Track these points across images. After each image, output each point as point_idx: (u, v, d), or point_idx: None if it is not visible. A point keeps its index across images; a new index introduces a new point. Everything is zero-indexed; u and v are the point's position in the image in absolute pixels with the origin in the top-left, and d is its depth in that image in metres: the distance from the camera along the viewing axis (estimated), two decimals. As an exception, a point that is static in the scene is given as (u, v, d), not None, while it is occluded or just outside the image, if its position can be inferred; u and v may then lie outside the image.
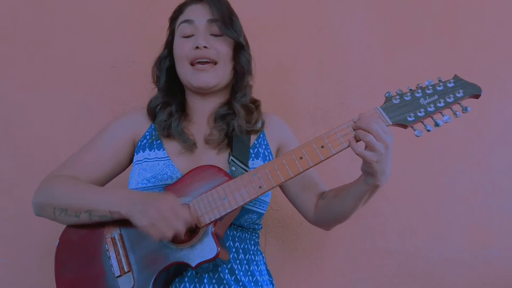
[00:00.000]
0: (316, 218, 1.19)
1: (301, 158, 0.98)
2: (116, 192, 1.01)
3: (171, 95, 1.19)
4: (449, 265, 1.57)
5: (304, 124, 1.63)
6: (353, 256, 1.57)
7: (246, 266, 1.08)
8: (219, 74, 1.14)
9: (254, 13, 1.65)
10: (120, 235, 1.01)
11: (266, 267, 1.18)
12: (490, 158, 1.63)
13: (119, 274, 0.97)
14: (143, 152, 1.12)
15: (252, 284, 1.07)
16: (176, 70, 1.17)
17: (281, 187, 1.23)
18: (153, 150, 1.11)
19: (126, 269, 0.97)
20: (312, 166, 0.98)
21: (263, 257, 1.18)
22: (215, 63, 1.13)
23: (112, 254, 0.99)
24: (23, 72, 1.57)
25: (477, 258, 1.58)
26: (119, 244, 1.00)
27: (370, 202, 1.58)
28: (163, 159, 1.09)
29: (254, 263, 1.11)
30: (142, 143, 1.14)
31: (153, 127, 1.17)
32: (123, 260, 0.98)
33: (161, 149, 1.11)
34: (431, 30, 1.71)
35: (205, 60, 1.12)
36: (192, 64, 1.12)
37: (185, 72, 1.14)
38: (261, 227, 1.18)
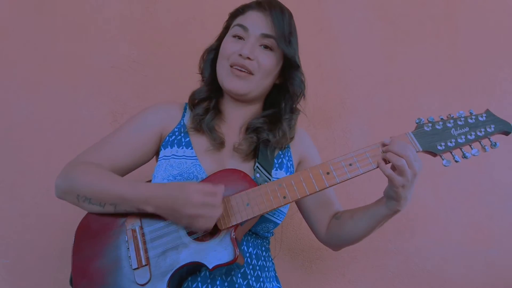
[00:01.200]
0: (327, 237, 1.18)
1: (328, 173, 0.98)
2: (143, 187, 1.00)
3: (214, 90, 1.17)
4: (449, 265, 1.57)
5: (304, 124, 1.63)
6: (353, 256, 1.58)
7: (259, 272, 1.08)
8: (252, 85, 1.11)
9: (254, 13, 1.65)
10: (141, 227, 1.01)
11: (275, 274, 1.18)
12: (490, 158, 1.63)
13: (136, 266, 0.97)
14: (171, 148, 1.11)
15: None
16: (216, 66, 1.16)
17: (297, 202, 1.22)
18: (181, 148, 1.11)
19: (144, 262, 0.97)
20: (338, 183, 0.98)
21: (273, 263, 1.18)
22: (252, 74, 1.11)
23: (131, 245, 0.99)
24: (23, 72, 1.57)
25: (477, 258, 1.58)
26: (139, 237, 1.00)
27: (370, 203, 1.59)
28: (191, 158, 1.09)
29: (266, 269, 1.11)
30: (171, 139, 1.13)
31: (182, 123, 1.16)
32: (142, 253, 0.98)
33: (190, 148, 1.11)
34: (431, 30, 1.71)
35: (243, 70, 1.10)
36: (230, 66, 1.11)
37: (221, 71, 1.13)
38: (273, 235, 1.18)
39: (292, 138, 1.17)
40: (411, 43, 1.70)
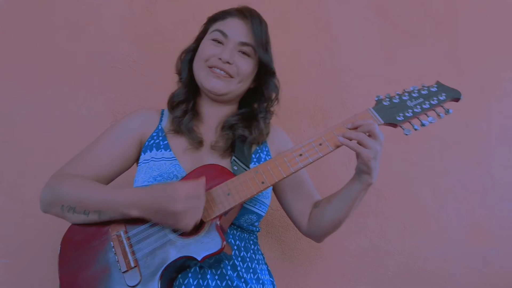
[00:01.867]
0: (309, 228, 1.20)
1: (300, 155, 1.04)
2: (126, 193, 1.02)
3: (192, 91, 1.21)
4: (449, 265, 1.57)
5: (304, 124, 1.63)
6: (353, 256, 1.58)
7: (248, 264, 1.10)
8: (231, 87, 1.16)
9: (254, 13, 1.65)
10: (126, 232, 1.02)
11: (267, 267, 1.19)
12: (490, 158, 1.63)
13: (125, 269, 0.98)
14: (150, 152, 1.14)
15: (254, 281, 1.08)
16: (193, 67, 1.20)
17: (277, 195, 1.26)
18: (160, 150, 1.13)
19: (132, 264, 0.98)
20: (312, 162, 1.03)
21: (263, 257, 1.19)
22: (232, 77, 1.16)
23: (118, 250, 1.00)
24: (23, 72, 1.57)
25: (477, 258, 1.58)
26: (125, 241, 1.01)
27: (370, 202, 1.59)
28: (170, 159, 1.11)
29: (255, 261, 1.12)
30: (150, 143, 1.15)
31: (160, 127, 1.19)
32: (129, 256, 0.99)
33: (168, 150, 1.13)
34: (431, 30, 1.71)
35: (223, 72, 1.15)
36: (209, 67, 1.15)
37: (199, 72, 1.17)
38: (259, 230, 1.20)
39: (267, 134, 1.22)
40: (411, 43, 1.70)
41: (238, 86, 1.17)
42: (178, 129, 1.16)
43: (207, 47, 1.16)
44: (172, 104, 1.20)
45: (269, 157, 1.20)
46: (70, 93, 1.58)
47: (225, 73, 1.14)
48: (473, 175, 1.62)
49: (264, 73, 1.21)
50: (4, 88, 1.56)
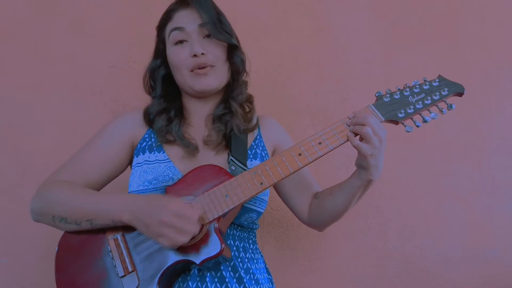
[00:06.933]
0: (310, 218, 1.20)
1: (300, 154, 1.01)
2: (117, 198, 1.00)
3: (169, 101, 1.18)
4: (449, 265, 1.57)
5: (304, 124, 1.63)
6: (353, 256, 1.58)
7: (247, 265, 1.09)
8: (219, 76, 1.14)
9: (254, 13, 1.65)
10: (123, 235, 1.01)
11: (265, 266, 1.19)
12: (490, 158, 1.63)
13: (123, 274, 0.97)
14: (143, 154, 1.12)
15: (253, 282, 1.07)
16: (174, 77, 1.17)
17: (276, 188, 1.25)
18: (153, 153, 1.11)
19: (130, 268, 0.97)
20: (311, 162, 1.01)
21: (262, 255, 1.19)
22: (213, 66, 1.13)
23: (115, 254, 0.99)
24: (23, 72, 1.57)
25: (477, 258, 1.58)
26: (122, 244, 1.00)
27: (370, 203, 1.59)
28: (164, 161, 1.10)
29: (254, 261, 1.12)
30: (142, 146, 1.14)
31: (151, 128, 1.17)
32: (127, 260, 0.98)
33: (162, 152, 1.11)
34: (431, 30, 1.71)
35: (205, 66, 1.12)
36: (191, 71, 1.12)
37: (185, 79, 1.14)
38: (258, 227, 1.19)
39: (246, 114, 1.19)
40: (411, 43, 1.70)
41: (222, 72, 1.15)
42: (167, 139, 1.12)
43: (176, 54, 1.13)
44: (149, 117, 1.16)
45: (265, 151, 1.19)
46: (70, 93, 1.58)
47: (206, 66, 1.11)
48: (473, 175, 1.62)
49: (229, 49, 1.16)
50: (4, 88, 1.56)
